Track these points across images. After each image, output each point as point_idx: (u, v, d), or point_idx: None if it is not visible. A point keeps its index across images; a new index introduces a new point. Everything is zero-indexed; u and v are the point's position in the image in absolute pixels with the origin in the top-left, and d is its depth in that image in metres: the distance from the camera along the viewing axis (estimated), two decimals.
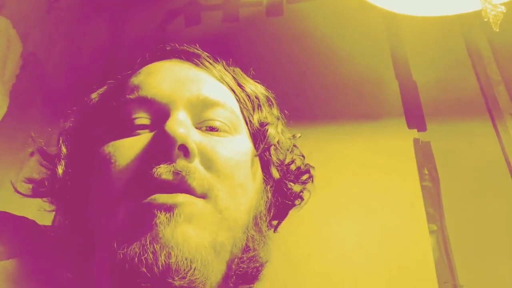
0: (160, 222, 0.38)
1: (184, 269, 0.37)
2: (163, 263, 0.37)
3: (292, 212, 0.58)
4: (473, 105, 0.91)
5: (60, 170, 0.48)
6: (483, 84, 0.93)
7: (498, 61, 0.95)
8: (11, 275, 0.41)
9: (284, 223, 0.58)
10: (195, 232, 0.39)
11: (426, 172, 0.85)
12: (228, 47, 1.09)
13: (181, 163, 0.41)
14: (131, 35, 1.18)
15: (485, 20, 0.56)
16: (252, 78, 0.59)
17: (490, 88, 0.92)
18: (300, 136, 0.62)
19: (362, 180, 0.86)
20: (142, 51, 0.56)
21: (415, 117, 0.91)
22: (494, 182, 0.82)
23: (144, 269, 0.36)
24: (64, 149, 0.50)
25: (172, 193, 0.40)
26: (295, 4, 1.13)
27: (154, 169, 0.40)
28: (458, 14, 0.72)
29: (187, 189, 0.41)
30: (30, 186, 0.51)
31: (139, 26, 1.19)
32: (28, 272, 0.43)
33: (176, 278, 0.37)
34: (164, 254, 0.37)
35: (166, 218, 0.38)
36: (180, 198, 0.40)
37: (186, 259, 0.37)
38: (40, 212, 0.53)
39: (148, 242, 0.37)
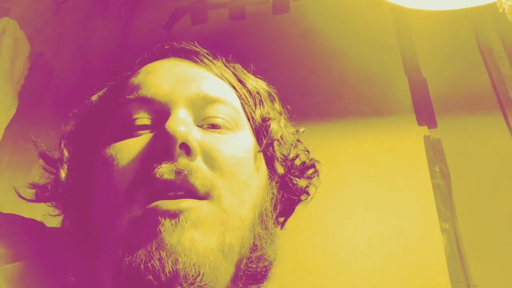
0: (164, 229, 0.37)
1: (193, 275, 0.36)
2: (170, 269, 0.36)
3: (301, 210, 0.57)
4: (484, 101, 0.89)
5: (62, 174, 0.48)
6: (495, 80, 0.91)
7: (510, 56, 0.93)
8: (18, 277, 0.41)
9: (293, 221, 0.57)
10: (202, 236, 0.39)
11: (437, 169, 0.83)
12: (235, 45, 1.08)
13: (182, 161, 0.40)
14: (138, 34, 1.19)
15: (500, 11, 0.55)
16: (257, 75, 0.58)
17: (502, 84, 0.90)
18: (303, 131, 0.61)
19: (372, 178, 0.85)
20: (150, 50, 0.56)
21: (425, 114, 0.90)
22: (507, 179, 0.80)
23: (151, 277, 0.36)
24: (66, 153, 0.50)
25: (175, 192, 0.40)
26: (302, 1, 1.12)
27: (156, 169, 0.39)
28: (469, 8, 0.71)
29: (190, 189, 0.40)
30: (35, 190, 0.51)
31: (146, 25, 1.20)
32: (34, 275, 0.43)
33: (185, 285, 0.36)
34: (171, 261, 0.36)
35: (171, 224, 0.38)
36: (185, 203, 0.39)
37: (194, 265, 0.37)
38: (46, 216, 0.52)
39: (153, 249, 0.37)
